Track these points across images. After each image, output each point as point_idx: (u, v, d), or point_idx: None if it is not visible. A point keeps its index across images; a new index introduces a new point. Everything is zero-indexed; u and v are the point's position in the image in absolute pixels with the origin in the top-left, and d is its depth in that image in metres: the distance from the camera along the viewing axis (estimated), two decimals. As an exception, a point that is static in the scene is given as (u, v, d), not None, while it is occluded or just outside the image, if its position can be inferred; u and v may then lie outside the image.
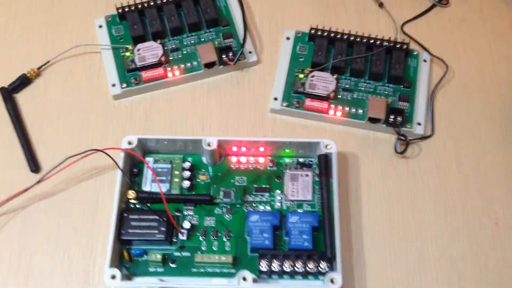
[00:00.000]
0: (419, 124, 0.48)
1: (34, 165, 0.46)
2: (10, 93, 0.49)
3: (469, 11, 0.55)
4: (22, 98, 0.50)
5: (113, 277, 0.39)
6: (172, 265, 0.42)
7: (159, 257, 0.41)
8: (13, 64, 0.50)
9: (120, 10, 0.51)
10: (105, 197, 0.45)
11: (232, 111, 0.50)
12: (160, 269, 0.42)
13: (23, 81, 0.50)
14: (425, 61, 0.51)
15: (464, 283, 0.43)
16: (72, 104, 0.50)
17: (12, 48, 0.52)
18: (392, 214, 0.46)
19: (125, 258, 0.42)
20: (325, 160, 0.44)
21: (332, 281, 0.40)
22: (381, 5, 0.54)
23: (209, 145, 0.44)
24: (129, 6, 0.51)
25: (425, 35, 0.52)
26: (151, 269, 0.42)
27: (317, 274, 0.41)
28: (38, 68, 0.50)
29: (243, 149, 0.46)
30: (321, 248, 0.42)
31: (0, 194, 0.44)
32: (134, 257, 0.42)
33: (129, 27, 0.51)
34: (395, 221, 0.45)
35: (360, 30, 0.51)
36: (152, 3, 0.51)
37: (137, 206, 0.44)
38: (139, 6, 0.51)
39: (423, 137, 0.48)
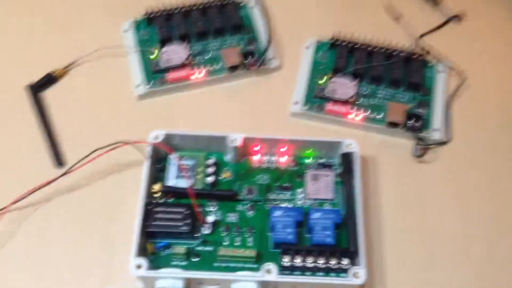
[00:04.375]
0: (436, 130, 0.49)
1: (58, 160, 0.47)
2: (36, 90, 0.50)
3: (483, 26, 0.57)
4: (48, 95, 0.51)
5: (139, 266, 0.39)
6: (195, 259, 0.42)
7: (183, 250, 0.42)
8: (40, 63, 0.52)
9: (148, 14, 0.53)
10: (128, 192, 0.45)
11: (254, 114, 0.51)
12: (182, 263, 0.42)
13: (50, 80, 0.51)
14: (441, 71, 0.53)
15: (481, 284, 0.44)
16: (97, 103, 0.51)
17: (39, 47, 0.53)
18: (410, 216, 0.46)
19: (149, 251, 0.42)
20: (348, 158, 0.45)
21: (355, 275, 0.40)
22: (398, 18, 0.56)
23: (234, 141, 0.45)
24: (157, 11, 0.53)
25: (442, 47, 0.54)
26: (174, 263, 0.42)
27: (339, 271, 0.41)
28: (65, 68, 0.52)
29: (265, 148, 0.46)
30: (343, 244, 0.43)
31: (24, 189, 0.44)
32: (157, 250, 0.42)
33: (156, 30, 0.52)
34: (413, 224, 0.46)
35: (379, 41, 0.53)
36: (178, 9, 0.53)
37: (160, 201, 0.44)
38: (167, 11, 0.53)
39: (441, 143, 0.49)
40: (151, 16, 0.53)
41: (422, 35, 0.55)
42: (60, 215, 0.45)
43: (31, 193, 0.44)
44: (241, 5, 0.55)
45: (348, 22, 0.56)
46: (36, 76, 0.51)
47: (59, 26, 0.55)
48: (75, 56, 0.52)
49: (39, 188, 0.44)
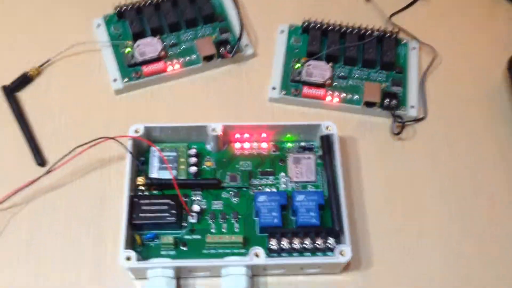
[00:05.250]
0: (412, 107, 0.50)
1: (40, 159, 0.47)
2: (12, 91, 0.50)
3: (451, 2, 0.58)
4: (24, 96, 0.50)
5: (128, 258, 0.40)
6: (183, 248, 0.43)
7: (171, 239, 0.42)
8: (14, 63, 0.51)
9: (118, 9, 0.53)
10: (112, 187, 0.46)
11: (232, 102, 0.51)
12: (171, 252, 0.42)
13: (25, 79, 0.50)
14: (414, 48, 0.53)
15: (462, 256, 0.45)
16: (75, 100, 0.50)
17: (12, 47, 0.53)
18: (392, 193, 0.47)
19: (137, 242, 0.42)
20: (327, 140, 0.45)
21: (341, 253, 0.41)
22: (368, -1, 0.57)
23: (214, 130, 0.45)
24: (127, 5, 0.53)
25: (412, 25, 0.55)
26: (163, 252, 0.42)
27: (326, 250, 0.42)
28: (39, 66, 0.51)
29: (246, 135, 0.47)
30: (328, 225, 0.44)
31: (7, 189, 0.44)
32: (146, 241, 0.43)
33: (128, 24, 0.52)
34: (395, 200, 0.47)
35: (350, 23, 0.53)
36: (149, 2, 0.53)
37: (145, 193, 0.45)
38: (137, 4, 0.53)
39: (417, 119, 0.50)
40: (122, 10, 0.53)
41: (393, 14, 0.56)
42: (47, 213, 0.45)
43: (15, 193, 0.44)
44: (212, -6, 0.55)
45: (320, 4, 0.56)
46: (11, 77, 0.50)
47: (30, 25, 0.54)
48: (49, 55, 0.52)
49: (22, 188, 0.44)
